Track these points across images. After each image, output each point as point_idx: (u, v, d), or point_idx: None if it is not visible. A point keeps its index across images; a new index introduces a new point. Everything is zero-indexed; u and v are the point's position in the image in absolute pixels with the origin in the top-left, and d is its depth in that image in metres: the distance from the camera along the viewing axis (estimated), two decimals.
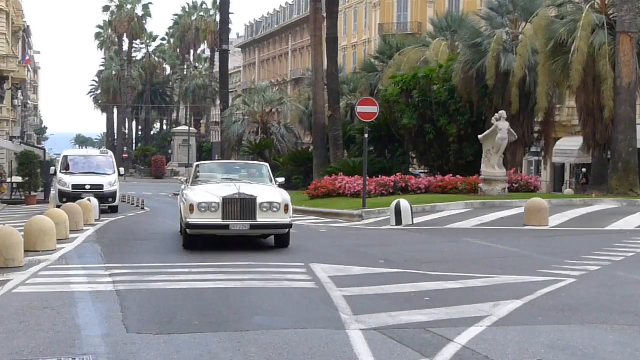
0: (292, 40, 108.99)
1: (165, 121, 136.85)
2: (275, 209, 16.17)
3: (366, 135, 25.56)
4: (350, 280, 12.44)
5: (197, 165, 19.71)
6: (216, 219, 15.95)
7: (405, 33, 71.29)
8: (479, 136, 30.45)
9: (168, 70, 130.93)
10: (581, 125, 33.56)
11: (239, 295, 11.15)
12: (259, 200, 16.09)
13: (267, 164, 19.96)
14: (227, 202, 15.95)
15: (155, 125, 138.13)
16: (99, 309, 10.08)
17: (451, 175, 33.35)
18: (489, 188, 29.60)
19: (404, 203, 22.94)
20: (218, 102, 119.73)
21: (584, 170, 51.21)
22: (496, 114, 29.73)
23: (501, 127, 29.00)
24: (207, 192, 16.63)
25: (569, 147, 50.87)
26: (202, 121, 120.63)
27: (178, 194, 21.86)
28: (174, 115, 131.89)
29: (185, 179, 19.77)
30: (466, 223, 22.53)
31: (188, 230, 16.26)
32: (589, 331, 9.11)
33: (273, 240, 17.37)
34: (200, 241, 16.70)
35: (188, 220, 16.04)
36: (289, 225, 16.60)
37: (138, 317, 9.58)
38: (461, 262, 15.22)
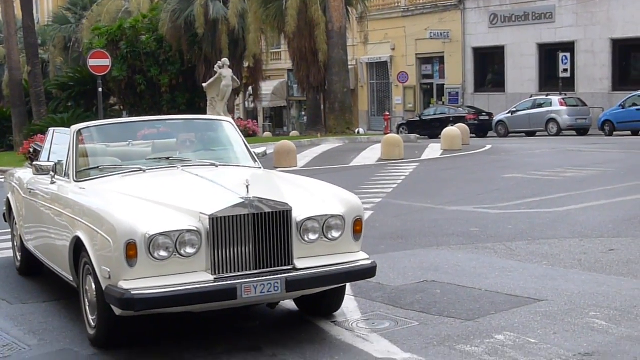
0: None
1: None
2: (335, 232, 6.79)
3: (100, 89, 25.03)
4: None
5: (78, 133, 8.07)
6: (195, 273, 6.16)
7: None
8: (203, 84, 30.78)
9: None
10: (295, 69, 35.08)
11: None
12: (297, 215, 6.57)
13: (230, 119, 9.37)
14: (224, 225, 6.21)
15: None
16: None
17: None
18: None
19: None
20: None
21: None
22: (219, 62, 30.16)
23: (225, 74, 29.50)
24: (151, 200, 6.68)
25: (263, 91, 52.81)
26: None
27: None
28: None
29: (51, 165, 8.06)
30: None
31: (119, 312, 6.18)
32: (437, 253, 10.01)
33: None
34: (143, 323, 6.75)
35: (124, 285, 6.00)
36: (371, 271, 6.98)
37: (2, 289, 9.10)
38: None
